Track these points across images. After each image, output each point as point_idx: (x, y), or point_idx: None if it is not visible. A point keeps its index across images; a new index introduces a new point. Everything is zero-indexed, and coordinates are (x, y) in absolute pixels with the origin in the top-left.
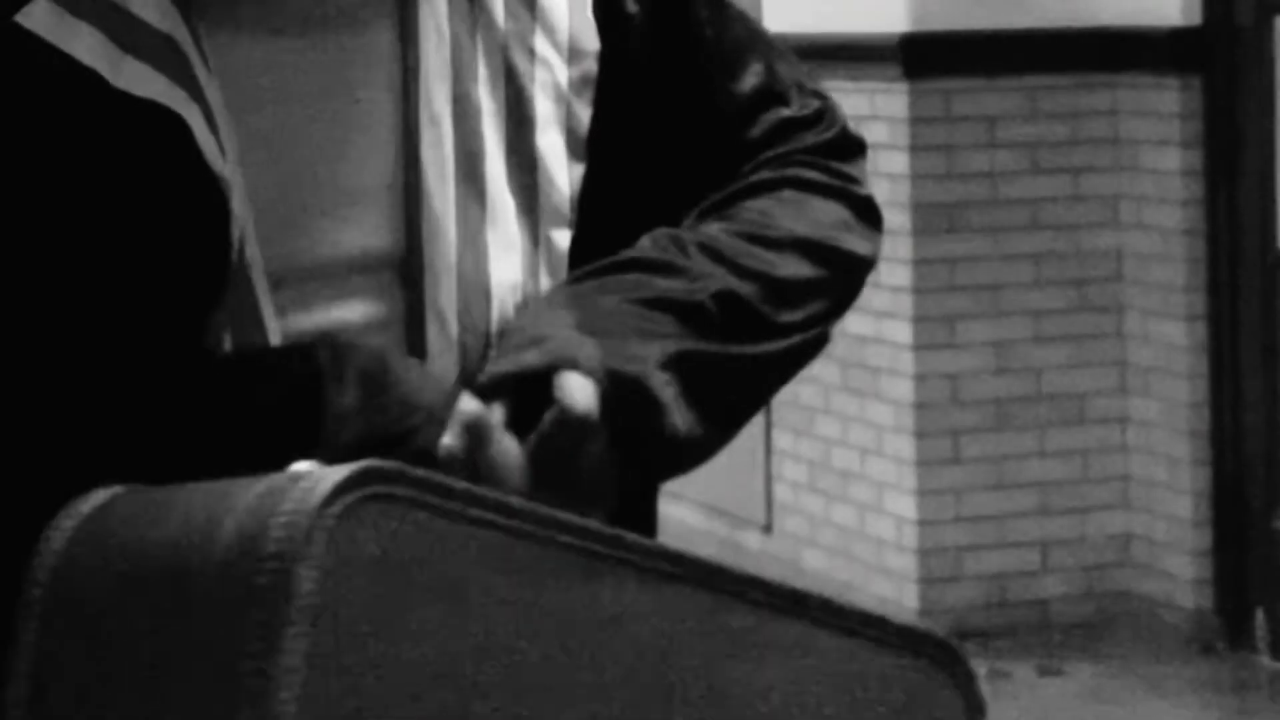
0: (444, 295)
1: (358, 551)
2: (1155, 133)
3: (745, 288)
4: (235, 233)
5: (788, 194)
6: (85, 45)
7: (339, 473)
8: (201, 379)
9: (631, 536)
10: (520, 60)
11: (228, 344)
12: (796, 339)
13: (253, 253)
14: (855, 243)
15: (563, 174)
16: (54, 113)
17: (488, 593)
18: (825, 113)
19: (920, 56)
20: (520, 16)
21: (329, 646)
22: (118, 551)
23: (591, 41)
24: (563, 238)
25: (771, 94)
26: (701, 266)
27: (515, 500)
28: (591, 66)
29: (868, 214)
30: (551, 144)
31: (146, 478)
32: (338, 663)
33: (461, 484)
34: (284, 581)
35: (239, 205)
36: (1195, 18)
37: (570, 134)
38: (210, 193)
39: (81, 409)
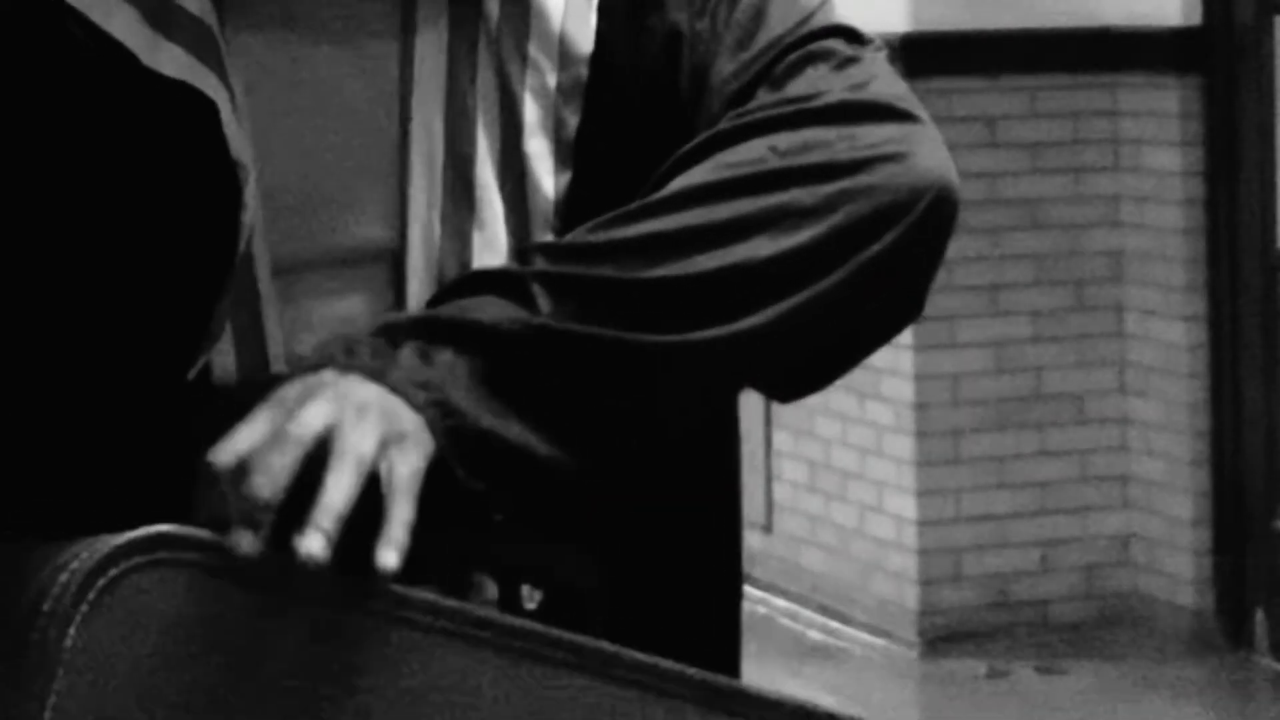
0: (426, 292)
1: (132, 613)
2: (1155, 133)
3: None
4: (246, 221)
5: (697, 165)
6: (121, 22)
7: (122, 536)
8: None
9: (516, 622)
10: (512, 64)
11: (229, 332)
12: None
13: (259, 242)
14: (793, 158)
15: (548, 179)
16: (82, 87)
17: (275, 659)
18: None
19: (920, 56)
20: (514, 19)
21: (94, 703)
22: None
23: (584, 46)
24: None
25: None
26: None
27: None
28: (581, 72)
29: (840, 115)
30: (538, 149)
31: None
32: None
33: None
34: (52, 637)
35: (252, 194)
36: (1195, 18)
37: (557, 140)
38: (227, 180)
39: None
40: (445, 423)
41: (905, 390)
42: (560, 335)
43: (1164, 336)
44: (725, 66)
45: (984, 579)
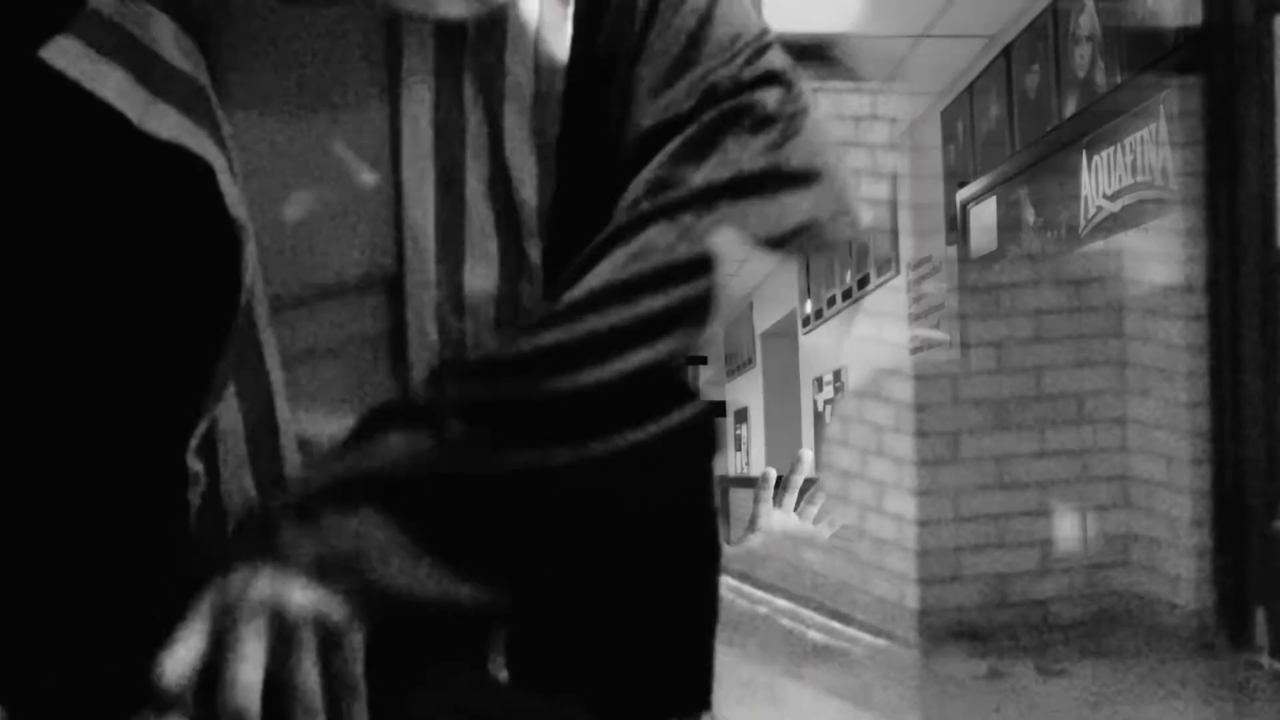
0: (426, 308)
1: None
2: (1155, 133)
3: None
4: (247, 276)
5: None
6: (113, 86)
7: None
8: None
9: None
10: (492, 78)
11: (231, 387)
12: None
13: (259, 291)
14: (688, 248)
15: (531, 188)
16: (75, 153)
17: None
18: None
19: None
20: (491, 34)
21: None
22: None
23: (560, 56)
24: (536, 251)
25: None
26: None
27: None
28: (558, 82)
29: (752, 187)
30: (521, 161)
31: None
32: None
33: None
34: None
35: (251, 251)
36: (1195, 18)
37: (539, 150)
38: (225, 237)
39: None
40: (368, 605)
41: (905, 390)
42: (475, 479)
43: (1164, 336)
44: (645, 105)
45: (984, 579)
